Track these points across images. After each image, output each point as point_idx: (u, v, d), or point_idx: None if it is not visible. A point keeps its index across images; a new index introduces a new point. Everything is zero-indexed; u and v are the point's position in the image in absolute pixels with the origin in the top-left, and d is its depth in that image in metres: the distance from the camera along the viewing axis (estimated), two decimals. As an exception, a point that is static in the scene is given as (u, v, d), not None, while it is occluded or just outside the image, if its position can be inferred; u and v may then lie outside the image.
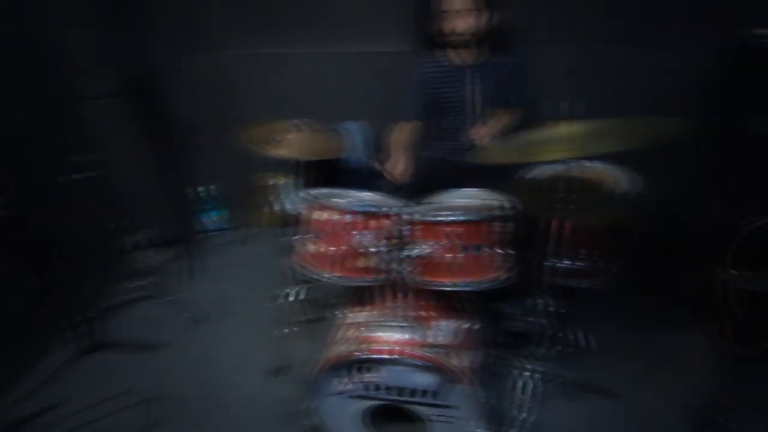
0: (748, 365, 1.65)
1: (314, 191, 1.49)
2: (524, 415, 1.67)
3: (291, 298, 2.00)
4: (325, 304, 2.10)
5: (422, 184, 1.98)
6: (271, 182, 2.25)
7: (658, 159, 2.15)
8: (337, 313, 1.69)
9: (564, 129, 1.23)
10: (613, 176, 1.94)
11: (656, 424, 1.68)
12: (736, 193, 1.84)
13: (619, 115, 1.30)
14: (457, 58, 1.88)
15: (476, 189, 1.85)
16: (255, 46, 2.62)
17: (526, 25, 2.16)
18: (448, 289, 1.42)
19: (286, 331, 1.99)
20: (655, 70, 2.13)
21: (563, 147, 1.21)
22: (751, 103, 1.70)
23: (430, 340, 1.46)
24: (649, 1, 2.08)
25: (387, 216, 1.40)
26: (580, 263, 1.87)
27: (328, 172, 1.92)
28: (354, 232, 1.38)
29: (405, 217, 1.42)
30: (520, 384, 1.73)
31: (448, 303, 1.62)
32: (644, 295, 2.28)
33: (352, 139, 2.49)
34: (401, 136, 2.07)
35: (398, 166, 1.96)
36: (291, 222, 1.65)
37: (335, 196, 1.47)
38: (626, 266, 2.01)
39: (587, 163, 2.04)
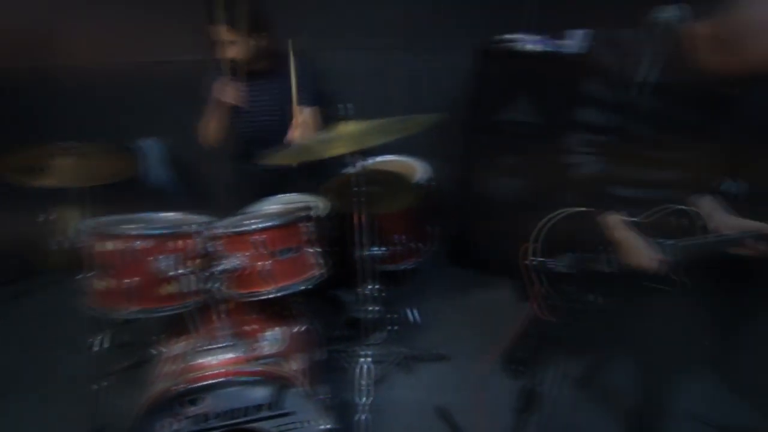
0: (551, 327, 2.02)
1: (97, 220, 1.31)
2: (366, 398, 1.74)
3: (96, 348, 1.72)
4: (139, 345, 1.87)
5: (234, 197, 1.95)
6: (51, 217, 1.90)
7: (443, 149, 2.53)
8: (153, 351, 1.53)
9: (346, 128, 1.33)
10: (411, 167, 2.18)
11: (479, 373, 1.93)
12: (511, 171, 2.25)
13: (394, 114, 1.45)
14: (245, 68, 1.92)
15: (287, 195, 1.88)
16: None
17: (315, 33, 2.29)
18: (265, 297, 1.39)
19: (96, 387, 1.71)
20: (425, 73, 2.47)
21: (345, 143, 1.31)
22: (497, 95, 2.09)
23: (257, 352, 1.42)
24: (419, 16, 2.39)
25: (187, 235, 1.31)
26: (395, 247, 2.05)
27: (121, 195, 1.72)
28: (150, 259, 1.26)
29: (208, 233, 1.35)
30: (358, 371, 1.81)
31: (272, 311, 1.60)
32: (463, 267, 2.63)
33: (149, 158, 2.28)
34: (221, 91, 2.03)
35: (212, 125, 1.98)
36: (79, 260, 1.44)
37: (125, 222, 1.32)
38: (439, 244, 2.30)
39: (387, 157, 2.27)
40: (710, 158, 1.34)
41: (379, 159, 2.27)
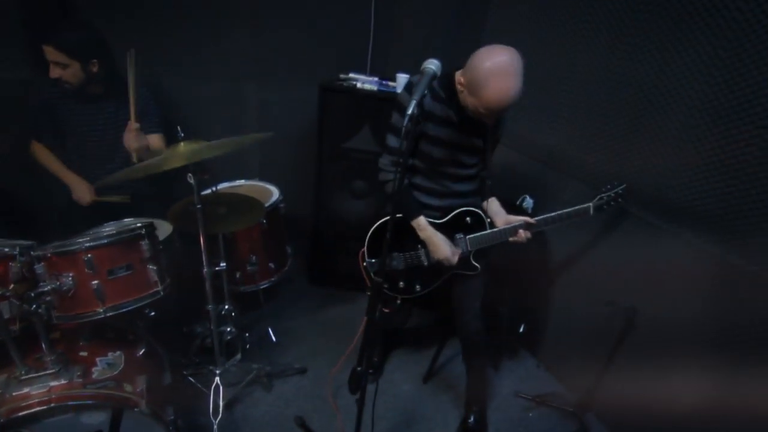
0: (390, 319, 2.24)
1: None
2: (218, 418, 1.76)
3: None
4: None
5: (72, 224, 1.87)
6: None
7: (296, 174, 2.73)
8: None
9: (181, 146, 1.43)
10: (263, 191, 2.32)
11: (337, 382, 2.07)
12: (358, 193, 2.51)
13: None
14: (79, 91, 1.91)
15: (127, 219, 1.87)
16: None
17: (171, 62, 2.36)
18: (97, 318, 1.37)
19: None
20: (275, 104, 2.69)
21: (179, 158, 1.43)
22: (340, 126, 2.37)
23: (93, 376, 1.39)
24: (268, 52, 2.59)
25: (6, 256, 1.25)
26: (250, 267, 2.13)
27: None
28: (-41, 284, 1.18)
29: (34, 253, 1.31)
30: (212, 391, 1.82)
31: (109, 336, 1.57)
32: (318, 285, 2.77)
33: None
34: (46, 156, 2.04)
35: (80, 189, 2.00)
36: None
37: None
38: (294, 264, 2.42)
39: (239, 182, 2.38)
40: (483, 171, 1.74)
41: (233, 184, 2.37)
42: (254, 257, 2.14)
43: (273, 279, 2.26)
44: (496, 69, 1.37)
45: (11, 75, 2.14)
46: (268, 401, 2.02)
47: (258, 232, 2.14)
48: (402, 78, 2.34)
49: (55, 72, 1.79)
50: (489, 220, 1.71)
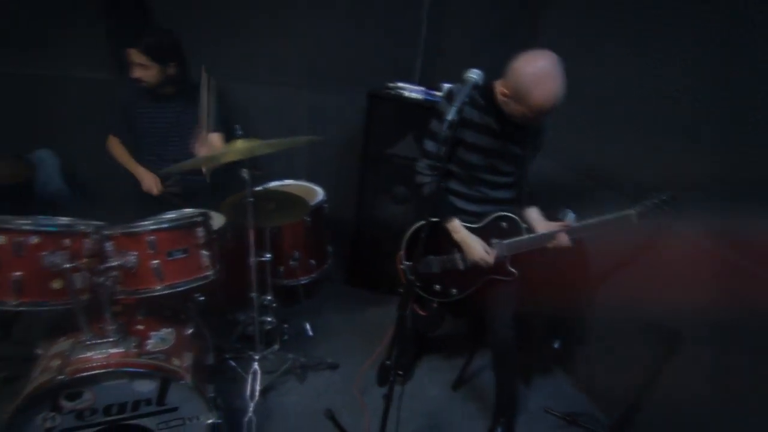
0: (425, 322, 2.29)
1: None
2: (256, 399, 1.86)
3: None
4: (24, 356, 1.84)
5: (139, 212, 2.05)
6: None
7: (340, 177, 2.83)
8: (37, 350, 1.55)
9: (239, 143, 1.55)
10: (309, 191, 2.43)
11: (365, 380, 2.13)
12: (399, 198, 2.57)
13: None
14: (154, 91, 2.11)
15: (186, 209, 2.03)
16: None
17: (228, 67, 2.53)
18: (154, 294, 1.50)
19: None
20: (333, 108, 2.82)
21: (237, 153, 1.55)
22: (385, 132, 2.45)
23: (147, 348, 1.52)
24: (319, 59, 2.73)
25: (78, 233, 1.40)
26: (292, 262, 2.24)
27: (16, 205, 1.76)
28: (40, 254, 1.34)
29: (105, 232, 1.46)
30: (250, 376, 1.92)
31: (163, 313, 1.70)
32: (354, 286, 2.85)
33: (45, 169, 2.31)
34: (120, 151, 2.24)
35: (148, 180, 2.15)
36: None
37: (17, 220, 1.38)
38: (333, 263, 2.51)
39: (287, 181, 2.50)
40: (521, 179, 1.75)
41: (282, 183, 2.50)
42: (297, 253, 2.25)
43: (313, 275, 2.36)
44: (539, 73, 1.42)
45: (94, 75, 2.40)
46: (300, 391, 2.10)
47: (302, 229, 2.25)
48: (447, 87, 2.38)
49: (136, 72, 1.99)
50: (525, 225, 1.72)
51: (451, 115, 1.22)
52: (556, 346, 2.23)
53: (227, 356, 2.09)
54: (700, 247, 1.66)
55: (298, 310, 2.53)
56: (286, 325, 2.28)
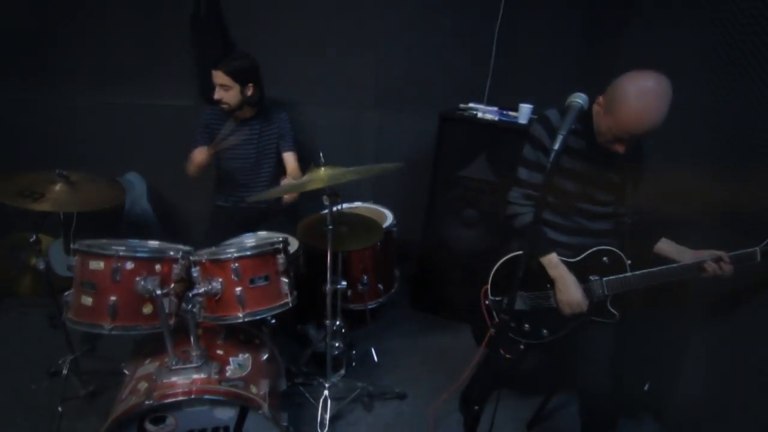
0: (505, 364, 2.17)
1: (88, 241, 1.43)
2: (326, 429, 1.82)
3: (64, 371, 1.77)
4: (109, 370, 1.91)
5: (217, 232, 2.11)
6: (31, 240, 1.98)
7: (409, 200, 2.79)
8: (124, 371, 1.59)
9: (322, 170, 1.54)
10: (379, 214, 2.40)
11: (436, 412, 2.04)
12: (468, 221, 2.49)
13: (364, 163, 1.69)
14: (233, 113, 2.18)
15: (262, 232, 2.05)
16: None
17: (299, 91, 2.59)
18: (240, 321, 1.50)
19: (60, 410, 1.74)
20: (401, 130, 2.80)
21: (321, 181, 1.55)
22: (457, 154, 2.38)
23: (227, 374, 1.52)
24: (387, 81, 2.73)
25: (172, 259, 1.44)
26: (361, 287, 2.21)
27: (105, 225, 1.86)
28: (137, 278, 1.38)
29: (192, 258, 1.48)
30: (320, 404, 1.89)
31: (240, 338, 1.71)
32: (422, 310, 2.78)
33: (133, 191, 2.44)
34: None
35: (198, 155, 2.15)
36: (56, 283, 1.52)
37: (112, 245, 1.43)
38: (401, 287, 2.46)
39: (357, 204, 2.48)
40: (621, 209, 1.62)
41: (351, 205, 2.49)
42: (365, 277, 2.22)
43: (380, 300, 2.31)
44: (638, 87, 1.33)
45: (179, 102, 2.53)
46: (368, 422, 2.04)
47: (371, 253, 2.22)
48: (525, 108, 2.29)
49: (218, 94, 2.08)
50: (630, 261, 1.58)
51: (558, 145, 1.14)
52: (645, 389, 2.04)
53: (297, 381, 2.07)
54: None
55: (363, 333, 2.49)
56: (354, 352, 2.24)
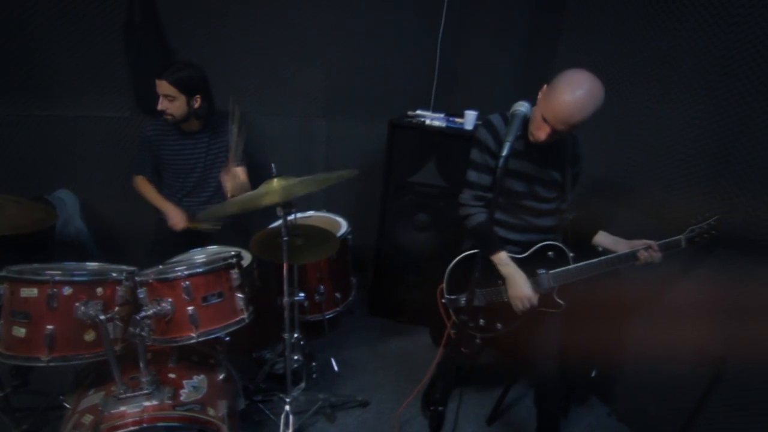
0: (464, 362, 2.21)
1: (18, 267, 1.31)
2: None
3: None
4: (46, 406, 1.76)
5: (162, 249, 2.00)
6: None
7: (362, 207, 2.80)
8: (65, 404, 1.47)
9: (273, 183, 1.51)
10: (332, 223, 2.38)
11: (400, 417, 2.05)
12: (421, 226, 2.53)
13: (315, 172, 1.68)
14: (178, 126, 2.09)
15: (213, 247, 1.97)
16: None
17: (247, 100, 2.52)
18: (189, 342, 1.44)
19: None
20: (350, 138, 2.81)
21: (273, 195, 1.50)
22: (407, 161, 2.43)
23: (181, 398, 1.44)
24: (336, 91, 2.73)
25: (114, 281, 1.36)
26: (318, 297, 2.18)
27: (33, 247, 1.71)
28: (77, 304, 1.28)
29: (137, 278, 1.40)
30: (282, 420, 1.84)
31: (194, 359, 1.63)
32: (380, 317, 2.78)
33: (65, 209, 2.26)
34: (147, 188, 2.19)
35: (176, 216, 2.09)
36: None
37: (46, 270, 1.32)
38: (358, 294, 2.46)
39: (311, 213, 2.46)
40: (563, 205, 1.73)
41: (304, 215, 2.45)
42: (322, 287, 2.19)
43: (338, 309, 2.29)
44: (573, 82, 1.44)
45: (111, 114, 2.38)
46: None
47: (327, 262, 2.19)
48: (470, 114, 2.37)
49: (162, 104, 1.97)
50: (572, 254, 1.68)
51: (506, 151, 1.19)
52: (592, 375, 2.16)
53: (256, 399, 2.01)
54: (745, 270, 1.61)
55: (322, 344, 2.46)
56: (314, 363, 2.20)
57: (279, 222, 1.63)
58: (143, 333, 1.33)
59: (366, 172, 2.81)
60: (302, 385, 2.08)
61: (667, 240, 1.60)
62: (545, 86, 1.53)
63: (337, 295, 2.28)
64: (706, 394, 1.74)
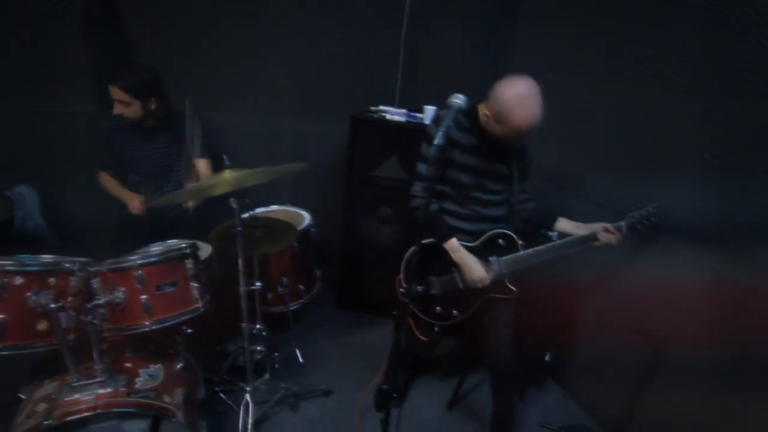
0: (427, 348, 2.28)
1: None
2: (249, 432, 1.82)
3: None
4: (4, 402, 1.76)
5: (125, 243, 2.02)
6: None
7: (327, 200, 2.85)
8: (21, 396, 1.49)
9: (227, 174, 1.55)
10: (296, 216, 2.42)
11: (366, 409, 2.10)
12: (385, 219, 2.59)
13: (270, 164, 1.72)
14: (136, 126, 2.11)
15: (172, 240, 2.00)
16: None
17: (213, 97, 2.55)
18: (144, 330, 1.47)
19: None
20: (317, 134, 2.86)
21: (226, 185, 1.55)
22: (369, 155, 2.49)
23: (136, 386, 1.47)
24: (309, 88, 2.77)
25: (67, 271, 1.38)
26: (281, 289, 2.22)
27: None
28: (28, 294, 1.30)
29: (91, 269, 1.43)
30: (242, 409, 1.88)
31: (151, 349, 1.66)
32: (345, 309, 2.84)
33: (24, 204, 2.26)
34: (110, 183, 2.22)
35: (134, 202, 2.13)
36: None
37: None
38: (322, 286, 2.50)
39: (273, 207, 2.49)
40: (512, 196, 1.81)
41: (268, 209, 2.49)
42: (285, 279, 2.23)
43: (302, 301, 2.33)
44: (518, 97, 1.51)
45: (72, 109, 2.38)
46: (293, 422, 2.06)
47: (289, 255, 2.23)
48: (429, 110, 2.45)
49: (118, 109, 1.99)
50: (522, 242, 1.76)
51: (438, 140, 1.26)
52: (547, 359, 2.25)
53: (218, 389, 2.04)
54: (683, 256, 1.71)
55: (288, 337, 2.50)
56: (276, 354, 2.24)
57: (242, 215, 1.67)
58: (95, 321, 1.36)
59: (333, 167, 2.87)
60: (266, 376, 2.12)
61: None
62: (484, 108, 1.61)
63: (301, 287, 2.32)
64: (648, 374, 1.83)
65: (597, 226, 1.73)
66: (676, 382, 1.77)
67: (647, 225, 1.70)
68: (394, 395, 2.14)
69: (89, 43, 2.28)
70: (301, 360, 2.38)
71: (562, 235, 1.80)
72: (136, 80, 1.98)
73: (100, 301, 1.39)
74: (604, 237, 1.70)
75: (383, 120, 2.46)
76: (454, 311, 1.84)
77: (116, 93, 1.96)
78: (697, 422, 1.68)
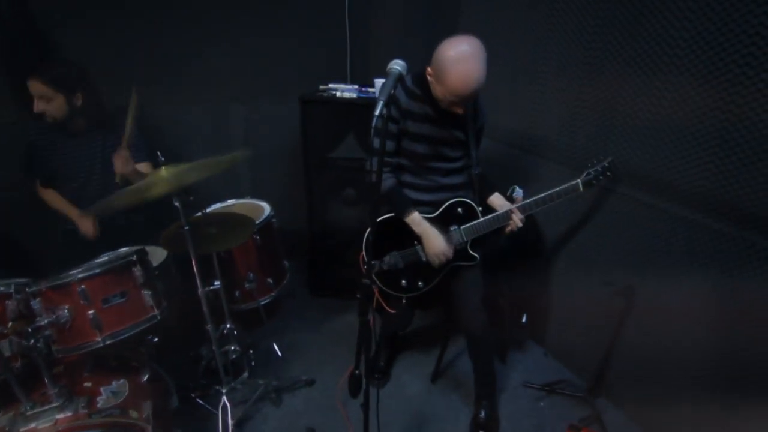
0: (396, 321, 2.26)
1: None
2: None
3: None
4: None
5: (71, 259, 1.89)
6: None
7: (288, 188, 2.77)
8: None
9: (163, 171, 1.45)
10: (254, 208, 2.34)
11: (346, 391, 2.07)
12: (349, 201, 2.53)
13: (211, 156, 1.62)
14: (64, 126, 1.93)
15: (121, 249, 1.89)
16: None
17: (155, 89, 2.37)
18: (101, 346, 1.39)
19: None
20: (268, 119, 2.75)
21: (165, 184, 1.45)
22: (323, 136, 2.40)
23: (98, 406, 1.40)
24: (256, 73, 2.64)
25: (3, 295, 1.28)
26: (248, 285, 2.15)
27: None
28: (-41, 325, 1.20)
29: (29, 289, 1.32)
30: (221, 410, 1.82)
31: (115, 362, 1.58)
32: (319, 296, 2.78)
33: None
34: (55, 199, 2.07)
35: (85, 223, 2.01)
36: None
37: None
38: (292, 277, 2.44)
39: (230, 202, 2.40)
40: (470, 163, 1.76)
41: (223, 204, 2.39)
42: (251, 274, 2.16)
43: (273, 294, 2.28)
44: (458, 56, 1.45)
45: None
46: (277, 416, 2.02)
47: (253, 249, 2.16)
48: (379, 82, 2.37)
49: (39, 106, 1.81)
50: (481, 208, 1.73)
51: (378, 110, 1.19)
52: (523, 320, 2.27)
53: (194, 395, 1.97)
54: (640, 203, 1.72)
55: (264, 332, 2.45)
56: (251, 351, 2.18)
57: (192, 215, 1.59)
58: (39, 345, 1.27)
59: (289, 153, 2.76)
60: (245, 374, 2.07)
61: (565, 186, 1.66)
62: (429, 68, 1.54)
63: (269, 280, 2.26)
64: (621, 321, 1.86)
65: (509, 205, 1.71)
66: (649, 330, 1.79)
67: (602, 180, 1.69)
68: (376, 376, 2.14)
69: (4, 45, 2.07)
70: (279, 354, 2.33)
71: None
72: (58, 71, 1.80)
73: (43, 323, 1.30)
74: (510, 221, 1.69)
75: (334, 98, 2.37)
76: (420, 283, 1.81)
77: (35, 87, 1.78)
78: (673, 369, 1.72)
